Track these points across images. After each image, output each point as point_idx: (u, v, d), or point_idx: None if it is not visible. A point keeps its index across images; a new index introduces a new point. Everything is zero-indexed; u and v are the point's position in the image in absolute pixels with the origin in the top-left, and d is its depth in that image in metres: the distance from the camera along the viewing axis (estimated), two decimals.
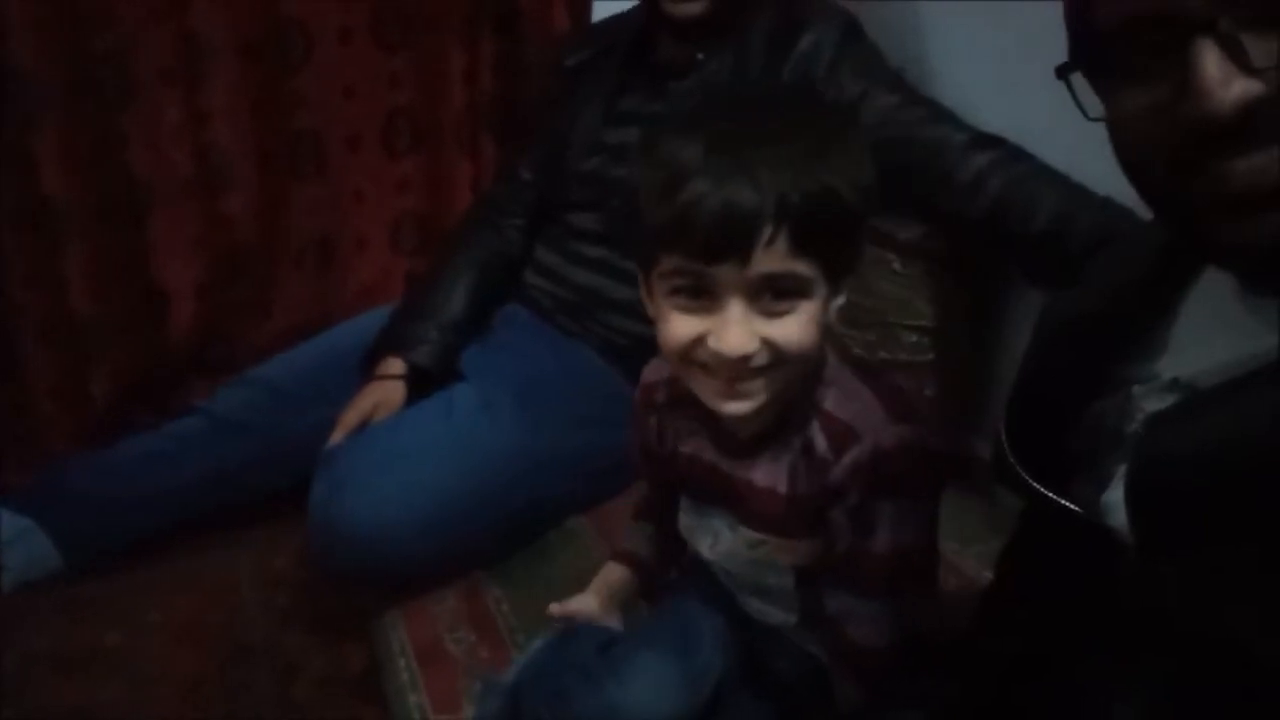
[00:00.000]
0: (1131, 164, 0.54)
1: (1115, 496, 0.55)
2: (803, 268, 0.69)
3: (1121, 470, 0.54)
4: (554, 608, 0.93)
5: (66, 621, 1.33)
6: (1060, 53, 0.56)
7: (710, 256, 0.68)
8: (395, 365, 1.39)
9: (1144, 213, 0.57)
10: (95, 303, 1.57)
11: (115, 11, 1.48)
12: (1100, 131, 0.55)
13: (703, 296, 0.71)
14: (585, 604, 0.93)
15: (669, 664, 0.85)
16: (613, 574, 0.97)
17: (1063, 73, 0.55)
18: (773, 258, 0.68)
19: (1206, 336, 0.55)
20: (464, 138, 1.81)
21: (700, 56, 1.32)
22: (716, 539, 0.86)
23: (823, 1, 1.33)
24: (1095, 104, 0.54)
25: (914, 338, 1.29)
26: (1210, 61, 0.46)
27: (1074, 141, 0.81)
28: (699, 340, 0.71)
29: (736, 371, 0.71)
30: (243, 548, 1.48)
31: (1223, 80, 0.46)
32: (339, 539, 1.18)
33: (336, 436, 1.31)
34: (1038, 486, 0.60)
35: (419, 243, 1.85)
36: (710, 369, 0.73)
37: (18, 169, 1.47)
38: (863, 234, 0.73)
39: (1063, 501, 0.59)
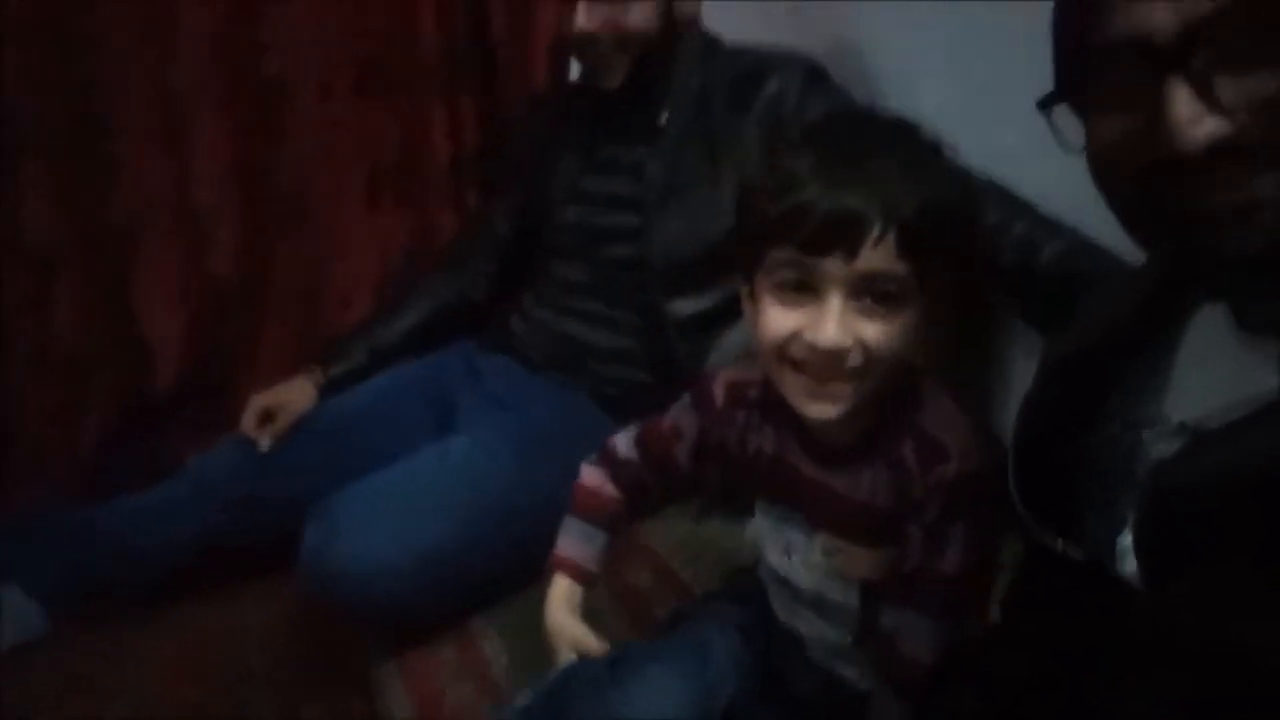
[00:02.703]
0: (1107, 185, 0.56)
1: (1126, 542, 0.55)
2: (905, 271, 0.71)
3: (1132, 516, 0.55)
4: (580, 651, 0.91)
5: (60, 687, 1.31)
6: (1031, 82, 0.59)
7: (819, 248, 0.70)
8: (316, 372, 1.50)
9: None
10: (81, 349, 1.58)
11: (100, 73, 1.51)
12: (1070, 159, 0.57)
13: (805, 291, 0.73)
14: (589, 636, 0.92)
15: (676, 677, 0.85)
16: (571, 592, 0.96)
17: (1045, 104, 0.57)
18: (878, 257, 0.70)
19: (1207, 374, 0.56)
20: (446, 194, 1.84)
21: (664, 119, 1.34)
22: (790, 546, 0.87)
23: (782, 50, 1.35)
24: (1073, 135, 0.56)
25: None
26: (1181, 100, 0.48)
27: (1043, 170, 0.84)
28: (795, 335, 0.73)
29: (828, 370, 0.73)
30: (239, 602, 1.46)
31: (1192, 119, 0.48)
32: (332, 583, 1.17)
33: (247, 419, 1.41)
34: (1046, 535, 0.61)
35: None
36: (802, 366, 0.74)
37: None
38: (961, 257, 0.75)
39: (1069, 552, 0.59)
